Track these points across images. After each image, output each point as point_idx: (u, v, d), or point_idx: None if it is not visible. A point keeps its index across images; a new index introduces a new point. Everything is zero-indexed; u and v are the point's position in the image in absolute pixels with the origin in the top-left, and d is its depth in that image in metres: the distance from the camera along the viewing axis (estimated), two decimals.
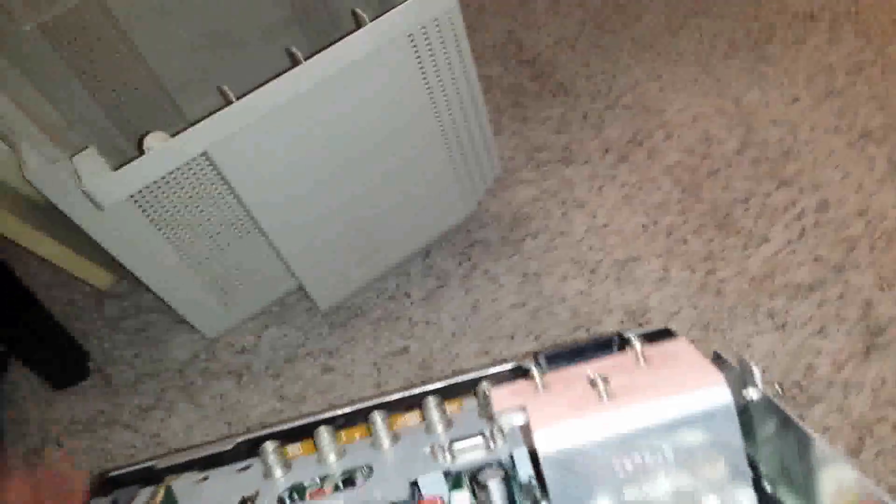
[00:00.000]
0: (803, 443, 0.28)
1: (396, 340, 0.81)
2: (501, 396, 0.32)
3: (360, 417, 0.42)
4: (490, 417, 0.39)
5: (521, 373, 0.44)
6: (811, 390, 0.67)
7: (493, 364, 0.47)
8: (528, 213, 0.89)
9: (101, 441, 0.82)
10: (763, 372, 0.31)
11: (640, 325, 0.75)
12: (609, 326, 0.76)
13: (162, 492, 0.35)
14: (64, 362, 0.88)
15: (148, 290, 0.78)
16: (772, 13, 1.00)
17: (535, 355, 0.44)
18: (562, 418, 0.29)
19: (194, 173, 0.69)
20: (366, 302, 0.86)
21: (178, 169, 0.68)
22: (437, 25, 0.70)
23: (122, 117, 0.96)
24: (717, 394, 0.28)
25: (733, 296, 0.74)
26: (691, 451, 0.28)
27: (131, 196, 0.66)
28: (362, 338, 0.83)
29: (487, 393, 0.39)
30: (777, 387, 0.32)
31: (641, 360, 0.32)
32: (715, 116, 0.91)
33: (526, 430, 0.30)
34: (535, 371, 0.33)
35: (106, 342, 0.91)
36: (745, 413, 0.32)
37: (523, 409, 0.31)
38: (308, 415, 0.43)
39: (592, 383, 0.30)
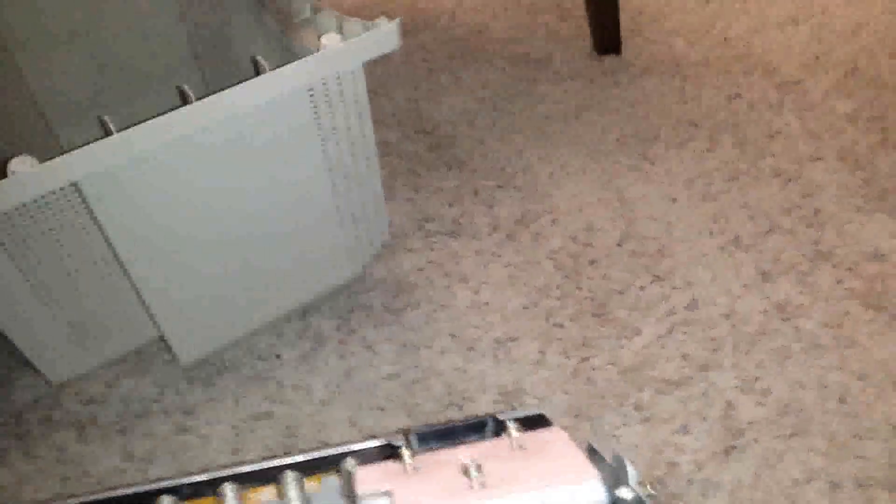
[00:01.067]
0: None
1: (261, 403, 0.77)
2: (367, 477, 0.30)
3: (211, 489, 0.39)
4: (352, 498, 0.37)
5: (389, 450, 0.42)
6: (671, 487, 0.68)
7: (361, 440, 0.45)
8: (412, 283, 0.87)
9: None
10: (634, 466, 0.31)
11: (514, 407, 0.75)
12: (483, 405, 0.75)
13: None
14: None
15: None
16: (658, 115, 1.06)
17: (406, 434, 0.42)
18: None
19: (61, 204, 0.65)
20: (233, 359, 0.81)
21: (43, 197, 0.63)
22: (339, 83, 0.70)
23: None
24: (590, 490, 0.27)
25: (604, 385, 0.76)
26: None
27: None
28: (224, 397, 0.78)
29: (352, 471, 0.36)
30: (649, 488, 0.31)
31: (516, 448, 0.30)
32: (599, 207, 0.94)
33: None
34: (404, 452, 0.31)
35: None
36: None
37: (390, 493, 0.29)
38: (154, 480, 0.40)
39: (465, 471, 0.29)
